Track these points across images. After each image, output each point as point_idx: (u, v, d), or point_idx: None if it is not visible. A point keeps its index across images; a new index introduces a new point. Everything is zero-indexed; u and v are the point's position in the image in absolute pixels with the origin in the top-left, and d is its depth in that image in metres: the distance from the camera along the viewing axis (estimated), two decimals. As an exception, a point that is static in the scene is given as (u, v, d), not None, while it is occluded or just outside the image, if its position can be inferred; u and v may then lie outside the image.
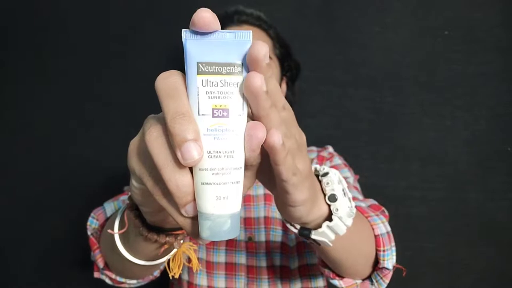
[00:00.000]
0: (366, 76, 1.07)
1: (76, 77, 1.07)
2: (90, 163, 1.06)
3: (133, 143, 0.32)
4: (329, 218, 0.42)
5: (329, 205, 0.42)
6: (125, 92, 1.04)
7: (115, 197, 0.76)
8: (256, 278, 0.76)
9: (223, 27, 0.84)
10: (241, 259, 0.77)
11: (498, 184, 1.04)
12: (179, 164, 0.28)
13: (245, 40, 0.29)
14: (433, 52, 1.06)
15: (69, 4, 1.07)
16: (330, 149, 0.89)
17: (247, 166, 0.31)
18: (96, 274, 0.65)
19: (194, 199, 0.29)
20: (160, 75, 0.29)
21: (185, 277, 0.78)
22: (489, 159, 1.04)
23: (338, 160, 0.86)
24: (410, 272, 1.06)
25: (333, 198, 0.41)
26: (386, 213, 0.64)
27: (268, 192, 0.79)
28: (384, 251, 0.56)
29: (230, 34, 0.29)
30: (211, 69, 0.28)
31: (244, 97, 0.29)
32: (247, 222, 0.78)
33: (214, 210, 0.29)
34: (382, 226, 0.58)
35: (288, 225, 0.44)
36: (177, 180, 0.28)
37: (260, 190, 0.81)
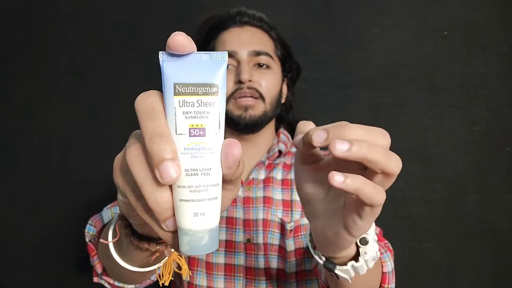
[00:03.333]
0: (365, 77, 1.07)
1: (80, 78, 1.08)
2: (93, 164, 1.06)
3: (117, 159, 0.33)
4: (355, 258, 0.44)
5: (358, 247, 0.44)
6: (131, 93, 1.04)
7: (115, 201, 0.77)
8: (254, 280, 0.77)
9: (225, 28, 0.84)
10: (240, 260, 0.77)
11: (497, 185, 1.04)
12: (158, 182, 0.28)
13: (221, 60, 0.30)
14: (433, 53, 1.05)
15: (69, 5, 1.09)
16: None
17: (227, 181, 0.32)
18: (95, 279, 0.67)
19: (174, 214, 0.30)
20: (139, 96, 0.30)
21: (186, 277, 0.79)
22: (488, 160, 1.04)
23: None
24: (409, 272, 1.06)
25: (364, 241, 0.44)
26: (390, 247, 0.68)
27: (267, 195, 0.80)
28: None
29: (206, 55, 0.30)
30: (187, 90, 0.29)
31: (220, 115, 0.30)
32: (246, 223, 0.78)
33: (192, 226, 0.29)
34: (389, 264, 0.62)
35: (315, 255, 0.46)
36: (156, 197, 0.29)
37: (259, 192, 0.81)
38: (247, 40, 0.82)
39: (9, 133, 1.07)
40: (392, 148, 0.34)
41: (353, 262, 0.44)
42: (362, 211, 0.34)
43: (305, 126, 0.38)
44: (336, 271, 0.44)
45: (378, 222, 0.77)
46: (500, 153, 1.04)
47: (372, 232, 0.44)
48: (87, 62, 1.08)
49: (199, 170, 0.29)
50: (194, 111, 0.29)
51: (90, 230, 0.69)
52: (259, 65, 0.81)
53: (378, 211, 0.34)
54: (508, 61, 1.04)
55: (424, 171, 1.05)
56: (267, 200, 0.79)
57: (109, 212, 0.73)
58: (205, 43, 0.86)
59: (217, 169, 0.30)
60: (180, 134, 0.29)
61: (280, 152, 0.86)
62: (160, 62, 0.29)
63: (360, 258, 0.44)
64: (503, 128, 1.04)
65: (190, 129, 0.29)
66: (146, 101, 0.29)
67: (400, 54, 1.06)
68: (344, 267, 0.44)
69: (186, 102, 0.29)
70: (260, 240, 0.77)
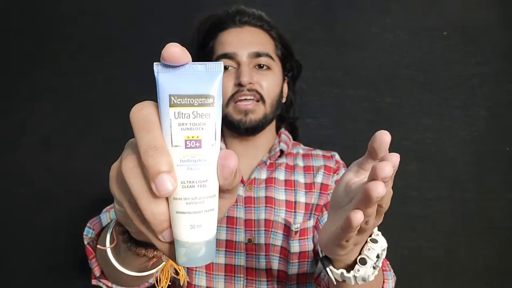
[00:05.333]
0: (365, 76, 1.07)
1: (81, 78, 1.07)
2: (93, 165, 1.06)
3: (114, 169, 0.33)
4: (349, 268, 0.49)
5: (356, 262, 0.48)
6: (131, 94, 1.04)
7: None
8: (255, 280, 0.77)
9: (225, 28, 0.83)
10: (241, 261, 0.77)
11: (497, 184, 1.04)
12: (154, 194, 0.28)
13: (217, 71, 0.30)
14: (432, 52, 1.05)
15: (70, 5, 1.08)
16: (337, 156, 0.88)
17: (224, 190, 0.31)
18: (94, 282, 0.67)
19: (171, 226, 0.30)
20: (134, 107, 0.30)
21: (183, 282, 0.78)
22: (488, 159, 1.04)
23: (344, 171, 0.85)
24: (408, 271, 1.06)
25: (363, 261, 0.48)
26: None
27: (269, 195, 0.79)
28: None
29: (201, 66, 0.30)
30: (183, 101, 0.28)
31: (216, 127, 0.30)
32: (248, 224, 0.78)
33: (188, 238, 0.29)
34: (391, 282, 0.64)
35: (318, 246, 0.52)
36: (152, 209, 0.29)
37: (261, 192, 0.80)
38: (247, 41, 0.81)
39: (9, 133, 1.07)
40: (391, 147, 0.36)
41: (343, 270, 0.49)
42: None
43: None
44: (327, 269, 0.50)
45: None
46: (499, 152, 1.04)
47: (373, 258, 0.48)
48: (87, 62, 1.08)
49: (196, 182, 0.29)
50: (190, 123, 0.29)
51: (88, 233, 0.69)
52: (260, 66, 0.81)
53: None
54: (507, 61, 1.03)
55: (423, 170, 1.05)
56: (269, 201, 0.79)
57: (108, 215, 0.72)
58: (204, 42, 0.84)
59: (214, 180, 0.30)
60: (175, 146, 0.29)
61: (281, 151, 0.86)
62: (155, 73, 0.29)
63: (351, 272, 0.48)
64: (502, 128, 1.04)
65: (186, 140, 0.29)
66: (141, 113, 0.29)
67: (399, 54, 1.06)
68: (335, 270, 0.49)
69: (182, 113, 0.28)
70: (262, 240, 0.77)
